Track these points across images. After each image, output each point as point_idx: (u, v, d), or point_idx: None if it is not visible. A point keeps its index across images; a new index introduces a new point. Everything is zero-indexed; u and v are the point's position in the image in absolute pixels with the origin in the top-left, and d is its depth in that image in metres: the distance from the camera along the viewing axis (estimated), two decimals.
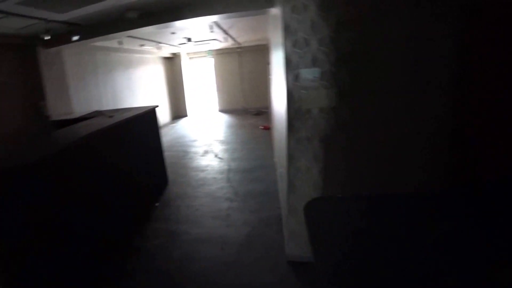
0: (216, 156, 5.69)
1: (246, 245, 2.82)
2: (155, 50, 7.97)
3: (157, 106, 4.24)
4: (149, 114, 4.05)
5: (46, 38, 3.45)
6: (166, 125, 9.77)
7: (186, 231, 3.14)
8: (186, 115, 11.14)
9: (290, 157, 2.17)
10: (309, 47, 1.90)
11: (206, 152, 5.99)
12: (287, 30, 1.90)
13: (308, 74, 1.95)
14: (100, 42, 5.63)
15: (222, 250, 2.77)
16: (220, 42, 8.31)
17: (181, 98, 11.05)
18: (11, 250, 1.85)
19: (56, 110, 4.53)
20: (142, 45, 6.76)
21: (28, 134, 4.24)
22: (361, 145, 2.08)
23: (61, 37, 4.04)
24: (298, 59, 1.93)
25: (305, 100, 2.01)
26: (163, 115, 9.81)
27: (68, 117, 4.30)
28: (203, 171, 4.91)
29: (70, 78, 5.17)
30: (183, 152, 6.18)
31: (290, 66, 1.96)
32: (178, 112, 11.16)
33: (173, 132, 8.47)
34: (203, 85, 12.34)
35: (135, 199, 3.50)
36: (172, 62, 10.71)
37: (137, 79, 8.13)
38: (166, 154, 5.96)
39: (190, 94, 11.48)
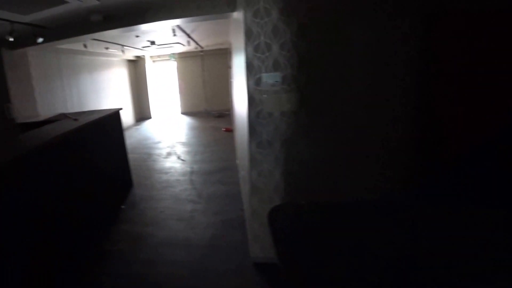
0: (179, 158, 5.51)
1: (210, 248, 2.74)
2: (119, 53, 7.61)
3: (121, 109, 4.10)
4: (113, 116, 3.92)
5: (10, 39, 3.26)
6: (130, 127, 9.31)
7: (151, 233, 3.02)
8: (150, 117, 10.70)
9: (252, 160, 2.14)
10: (271, 51, 1.89)
11: (169, 154, 5.78)
12: (249, 35, 1.88)
13: (269, 78, 1.94)
14: (66, 45, 5.42)
15: (187, 253, 2.68)
16: (183, 45, 8.10)
17: (145, 100, 10.61)
18: None
19: (21, 113, 4.22)
20: (107, 48, 6.41)
21: None
22: (321, 149, 2.11)
23: (26, 39, 3.79)
24: (259, 63, 1.91)
25: (266, 104, 1.99)
26: (127, 117, 9.38)
27: (33, 120, 4.03)
28: (166, 173, 4.73)
29: (35, 80, 4.87)
30: (147, 154, 5.91)
31: (251, 70, 1.94)
32: (142, 114, 10.71)
33: (137, 134, 8.09)
34: (166, 88, 11.97)
35: (101, 202, 3.38)
36: (136, 65, 10.28)
37: (102, 82, 7.76)
38: (130, 156, 5.68)
39: (154, 96, 11.07)
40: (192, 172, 4.69)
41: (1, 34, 3.45)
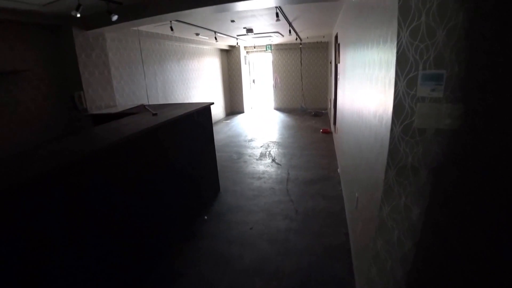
0: (273, 161, 5.20)
1: (306, 284, 2.29)
2: (212, 41, 7.63)
3: (212, 104, 3.82)
4: (202, 112, 3.60)
5: (77, 15, 2.86)
6: (220, 121, 9.57)
7: (237, 255, 2.69)
8: (242, 111, 10.86)
9: (387, 191, 1.57)
10: (434, 39, 1.28)
11: (262, 156, 5.53)
12: (404, 12, 1.30)
13: (429, 79, 1.33)
14: (150, 28, 5.19)
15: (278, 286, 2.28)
16: (282, 36, 7.78)
17: (237, 93, 10.77)
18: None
19: (95, 102, 4.10)
20: (197, 34, 6.38)
21: (60, 128, 3.99)
22: (486, 186, 1.41)
23: (100, 17, 3.53)
24: (417, 56, 1.31)
25: (419, 116, 1.39)
26: (217, 110, 9.64)
27: (108, 111, 3.95)
28: (259, 178, 4.45)
29: (114, 66, 4.81)
30: (238, 154, 5.80)
31: (403, 65, 1.36)
32: (234, 108, 10.92)
33: (227, 129, 8.20)
34: (260, 81, 11.95)
35: (181, 210, 3.13)
36: (229, 55, 10.41)
37: (191, 71, 7.83)
38: (219, 155, 5.63)
39: (247, 89, 11.16)
40: (288, 180, 4.30)
41: (68, 10, 3.05)
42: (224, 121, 9.45)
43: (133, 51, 5.37)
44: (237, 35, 7.11)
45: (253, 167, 4.98)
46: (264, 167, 4.93)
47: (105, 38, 4.28)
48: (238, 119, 9.63)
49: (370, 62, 1.99)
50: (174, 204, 3.00)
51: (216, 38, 6.58)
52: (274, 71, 10.78)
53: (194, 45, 7.66)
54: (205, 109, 3.73)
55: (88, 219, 1.91)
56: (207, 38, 7.12)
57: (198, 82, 8.22)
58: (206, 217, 3.43)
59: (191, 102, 7.38)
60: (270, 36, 7.65)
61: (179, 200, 3.09)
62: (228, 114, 10.60)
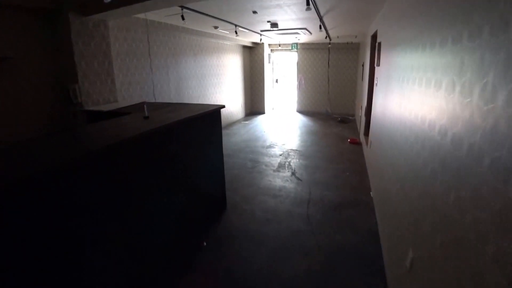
0: (293, 174, 4.52)
1: None
2: (232, 36, 7.02)
3: (222, 107, 3.24)
4: (209, 116, 3.04)
5: None
6: (238, 121, 8.97)
7: None
8: (263, 112, 10.21)
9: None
10: None
11: (281, 167, 4.87)
12: None
13: None
14: (161, 18, 4.74)
15: None
16: (309, 34, 7.07)
17: (259, 93, 10.12)
18: None
19: (91, 97, 3.61)
20: (216, 27, 5.80)
21: (53, 124, 3.54)
22: None
23: (98, 0, 3.03)
24: None
25: None
26: (236, 109, 9.05)
27: (104, 108, 3.46)
28: (275, 196, 3.79)
29: (119, 58, 4.35)
30: (253, 161, 5.16)
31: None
32: (254, 108, 10.29)
33: (245, 131, 7.59)
34: (283, 81, 11.27)
35: (173, 234, 2.57)
36: (252, 52, 9.78)
37: (209, 67, 7.26)
38: (231, 161, 5.06)
39: (269, 89, 10.51)
40: (309, 202, 3.61)
41: None
42: (242, 122, 8.85)
43: (142, 43, 4.84)
44: (261, 30, 6.47)
45: (269, 180, 4.32)
46: (282, 181, 4.27)
47: (108, 26, 3.74)
48: (257, 121, 8.99)
49: (442, 65, 1.30)
50: (164, 227, 2.43)
51: (236, 32, 5.95)
52: (299, 72, 10.07)
53: (213, 40, 7.08)
54: (214, 113, 3.13)
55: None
56: (227, 32, 6.52)
57: (216, 79, 7.65)
58: (205, 243, 2.83)
59: (203, 102, 6.88)
60: (297, 34, 6.96)
61: (171, 222, 2.52)
62: (247, 114, 9.99)
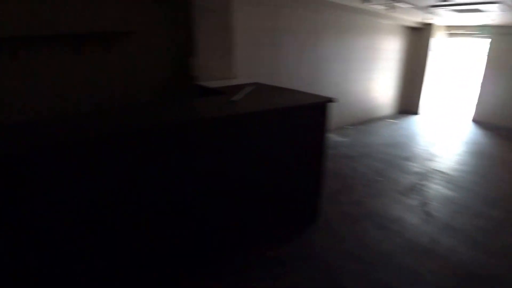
0: (423, 205, 3.24)
1: None
2: (391, 12, 5.65)
3: (329, 101, 2.50)
4: (310, 111, 2.49)
5: None
6: (383, 118, 7.55)
7: None
8: (416, 113, 8.27)
9: None
10: None
11: (411, 190, 3.60)
12: None
13: None
14: None
15: None
16: (505, 12, 4.94)
17: (415, 88, 8.15)
18: None
19: (208, 71, 3.54)
20: (364, 1, 4.75)
21: (169, 94, 3.63)
22: None
23: None
24: None
25: None
26: (383, 104, 7.66)
27: (217, 84, 3.31)
28: (381, 227, 2.79)
29: (240, 33, 4.06)
30: (376, 172, 4.08)
31: None
32: (406, 106, 8.40)
33: (385, 132, 6.28)
34: (458, 77, 8.75)
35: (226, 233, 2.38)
36: (416, 36, 7.76)
37: (354, 50, 6.17)
38: (352, 166, 4.35)
39: (431, 85, 8.35)
40: (430, 257, 2.42)
41: None
42: (387, 120, 7.40)
43: (269, 17, 4.43)
44: (428, 6, 4.92)
45: (385, 202, 3.26)
46: (401, 209, 3.12)
47: (233, 2, 3.58)
48: (407, 122, 7.30)
49: None
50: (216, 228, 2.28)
51: (393, 8, 4.71)
52: (489, 67, 7.46)
53: (365, 17, 5.90)
54: (318, 107, 2.50)
55: None
56: (381, 6, 5.27)
57: (360, 65, 6.48)
58: (271, 252, 2.41)
59: (341, 90, 6.01)
60: (487, 12, 4.97)
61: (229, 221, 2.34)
62: (397, 112, 8.31)
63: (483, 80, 7.57)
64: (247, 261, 2.32)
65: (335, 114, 2.57)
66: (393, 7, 4.64)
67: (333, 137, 5.65)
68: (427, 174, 4.09)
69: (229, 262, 2.32)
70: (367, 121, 7.07)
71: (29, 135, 1.60)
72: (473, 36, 7.60)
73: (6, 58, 2.69)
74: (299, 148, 2.52)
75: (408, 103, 8.40)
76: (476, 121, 7.80)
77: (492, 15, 5.50)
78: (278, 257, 2.38)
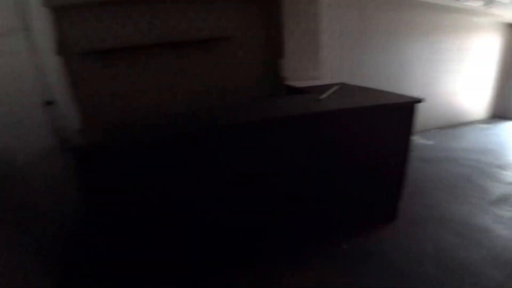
0: None
1: None
2: (486, 9, 5.15)
3: (417, 101, 2.52)
4: (397, 111, 2.53)
5: None
6: (474, 122, 6.94)
7: None
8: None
9: None
10: None
11: (503, 200, 3.38)
12: None
13: None
14: None
15: None
16: None
17: None
18: None
19: (296, 72, 3.84)
20: None
21: (260, 94, 3.94)
22: None
23: None
24: None
25: None
26: (476, 107, 7.03)
27: (302, 84, 3.56)
28: (468, 238, 2.71)
29: (326, 35, 4.22)
30: (464, 179, 3.88)
31: None
32: (501, 111, 7.51)
33: (475, 137, 5.79)
34: None
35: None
36: None
37: (442, 51, 5.77)
38: (433, 171, 4.25)
39: None
40: None
41: None
42: (479, 125, 6.79)
43: (354, 20, 4.53)
44: None
45: (470, 211, 3.13)
46: (491, 220, 2.97)
47: (318, 4, 3.82)
48: (501, 128, 6.59)
49: None
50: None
51: (493, 2, 4.34)
52: None
53: (455, 15, 5.52)
54: (405, 107, 2.54)
55: None
56: (481, 2, 4.87)
57: (449, 66, 6.04)
58: (345, 245, 2.58)
59: (427, 92, 5.73)
60: None
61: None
62: (490, 117, 7.53)
63: None
64: (320, 253, 2.54)
65: (420, 116, 2.59)
66: (492, 2, 4.27)
67: (417, 139, 5.45)
68: None
69: (302, 252, 2.56)
70: (455, 125, 6.59)
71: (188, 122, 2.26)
72: None
73: (126, 63, 3.34)
74: (383, 148, 2.59)
75: (503, 107, 7.54)
76: None
77: None
78: (350, 253, 2.54)
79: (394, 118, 2.53)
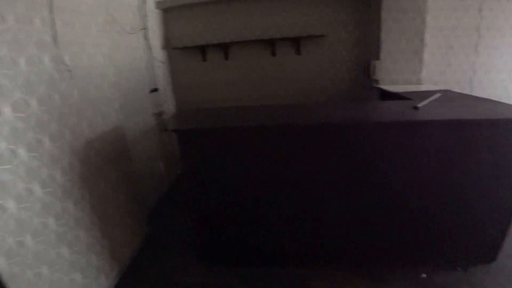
0: None
1: None
2: None
3: None
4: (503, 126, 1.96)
5: None
6: None
7: None
8: None
9: None
10: None
11: None
12: None
13: None
14: None
15: None
16: None
17: None
18: None
19: (390, 75, 3.48)
20: None
21: (349, 94, 3.83)
22: None
23: None
24: None
25: None
26: None
27: (393, 89, 3.19)
28: None
29: (434, 34, 3.57)
30: None
31: None
32: None
33: None
34: None
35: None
36: None
37: None
38: None
39: None
40: None
41: None
42: None
43: (471, 14, 3.76)
44: None
45: None
46: None
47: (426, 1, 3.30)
48: None
49: None
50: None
51: None
52: None
53: None
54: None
55: None
56: None
57: None
58: (424, 275, 2.24)
59: None
60: None
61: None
62: None
63: None
64: (398, 276, 2.29)
65: None
66: None
67: None
68: None
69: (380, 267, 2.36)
70: None
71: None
72: None
73: (221, 58, 3.73)
74: (489, 172, 2.05)
75: None
76: None
77: None
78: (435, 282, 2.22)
79: (508, 138, 1.98)
